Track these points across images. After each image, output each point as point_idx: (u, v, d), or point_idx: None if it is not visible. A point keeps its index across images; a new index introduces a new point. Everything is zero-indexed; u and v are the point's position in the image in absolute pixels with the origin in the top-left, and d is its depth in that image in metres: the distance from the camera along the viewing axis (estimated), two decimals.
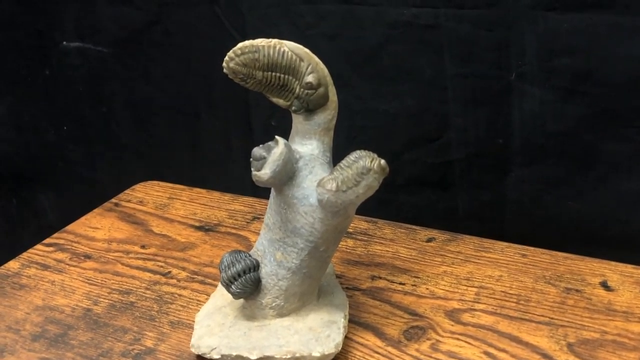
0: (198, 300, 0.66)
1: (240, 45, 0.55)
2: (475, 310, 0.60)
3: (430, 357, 0.56)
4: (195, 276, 0.69)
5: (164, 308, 0.65)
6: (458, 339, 0.57)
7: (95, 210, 0.84)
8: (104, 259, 0.74)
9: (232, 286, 0.57)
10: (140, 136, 1.14)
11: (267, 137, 1.06)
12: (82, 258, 0.74)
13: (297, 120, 0.58)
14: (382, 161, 0.53)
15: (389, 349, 0.57)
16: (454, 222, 0.93)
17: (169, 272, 0.71)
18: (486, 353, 0.55)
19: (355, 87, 0.92)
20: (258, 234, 0.75)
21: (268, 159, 0.53)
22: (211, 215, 0.80)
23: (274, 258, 0.57)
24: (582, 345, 0.55)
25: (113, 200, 0.86)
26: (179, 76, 1.06)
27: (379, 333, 0.59)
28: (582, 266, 0.64)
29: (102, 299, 0.67)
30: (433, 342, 0.57)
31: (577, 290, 0.61)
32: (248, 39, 1.01)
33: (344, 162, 0.53)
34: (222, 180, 1.07)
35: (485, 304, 0.61)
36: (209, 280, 0.69)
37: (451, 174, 0.91)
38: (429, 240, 0.71)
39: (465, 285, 0.64)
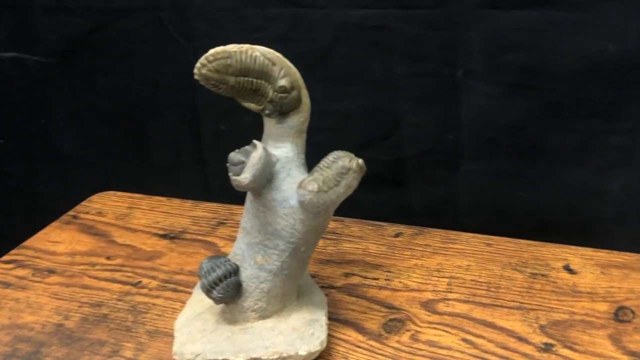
0: (173, 308, 0.66)
1: (212, 51, 0.56)
2: (449, 299, 0.62)
3: (412, 347, 0.57)
4: (167, 284, 0.69)
5: (139, 318, 0.65)
6: (436, 328, 0.59)
7: (53, 224, 0.82)
8: (69, 272, 0.73)
9: (214, 292, 0.57)
10: (85, 147, 1.12)
11: (216, 141, 1.06)
12: (46, 273, 0.73)
13: (270, 124, 0.59)
14: (360, 160, 0.54)
15: (371, 342, 0.58)
16: (409, 217, 0.95)
17: (139, 282, 0.70)
18: (465, 340, 0.58)
19: (307, 88, 0.93)
20: (225, 239, 0.76)
21: (247, 163, 0.54)
22: (175, 223, 0.80)
23: (254, 261, 0.58)
24: (554, 327, 0.58)
25: (70, 212, 0.84)
26: (123, 84, 1.05)
27: (359, 328, 0.60)
28: (544, 252, 0.67)
29: (72, 313, 0.66)
30: (412, 333, 0.59)
31: (542, 275, 0.64)
32: (194, 44, 1.01)
33: (322, 163, 0.54)
34: (172, 188, 1.06)
35: (457, 293, 0.63)
36: (181, 288, 0.68)
37: (404, 170, 0.94)
38: (397, 235, 0.73)
39: (437, 277, 0.66)
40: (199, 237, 0.77)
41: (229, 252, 0.73)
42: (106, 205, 0.85)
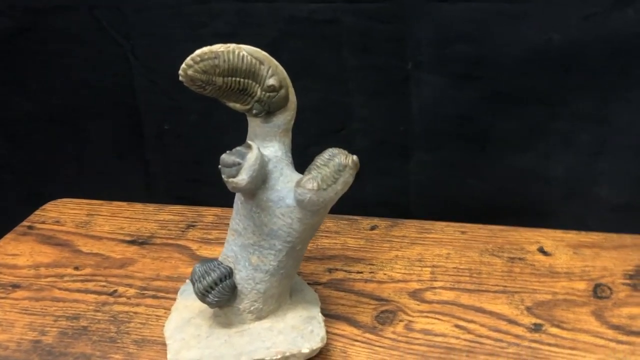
0: (157, 316, 0.64)
1: (198, 52, 0.55)
2: (435, 288, 0.64)
3: (408, 337, 0.59)
4: (145, 292, 0.68)
5: (123, 328, 0.63)
6: (428, 316, 0.61)
7: (8, 236, 0.78)
8: (36, 286, 0.70)
9: (209, 296, 0.57)
10: (17, 153, 1.07)
11: (160, 142, 1.04)
12: (10, 288, 0.70)
13: (255, 124, 0.59)
14: (355, 157, 0.55)
15: (367, 335, 0.59)
16: (364, 208, 0.96)
17: (115, 290, 0.68)
18: (457, 326, 0.59)
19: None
20: (197, 242, 0.75)
21: (244, 165, 0.53)
22: (141, 228, 0.78)
23: (249, 262, 0.57)
24: (539, 307, 0.61)
25: (24, 223, 0.80)
26: (57, 86, 1.01)
27: (352, 322, 0.61)
28: (517, 236, 0.70)
29: (49, 328, 0.64)
30: (406, 322, 0.60)
31: (519, 259, 0.67)
32: (133, 43, 0.99)
33: (318, 161, 0.55)
34: (114, 191, 1.03)
35: (442, 281, 0.65)
36: (162, 294, 0.67)
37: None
38: (372, 228, 0.74)
39: (419, 266, 0.67)
40: (170, 242, 0.75)
41: (204, 255, 0.72)
42: (63, 213, 0.82)
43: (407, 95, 0.89)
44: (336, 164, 0.54)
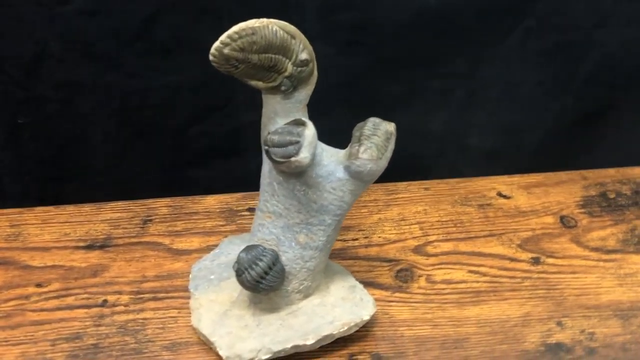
0: (172, 317, 0.60)
1: (235, 28, 0.52)
2: (431, 242, 0.68)
3: (434, 289, 0.63)
4: (142, 295, 0.62)
5: (141, 337, 0.58)
6: (441, 268, 0.65)
7: None
8: (1, 313, 0.60)
9: (263, 282, 0.55)
10: None
11: (14, 137, 0.93)
12: None
13: (274, 101, 0.57)
14: (393, 124, 0.56)
15: (398, 294, 0.62)
16: (252, 184, 0.96)
17: (105, 300, 0.61)
18: (471, 271, 0.65)
19: (126, 65, 0.86)
20: (167, 235, 0.70)
21: (303, 142, 0.52)
22: (90, 231, 0.70)
23: (296, 242, 0.56)
24: (527, 244, 0.68)
25: None
26: None
27: (377, 285, 0.63)
28: (475, 186, 0.77)
29: (50, 354, 0.56)
30: (425, 277, 0.64)
31: (487, 205, 0.74)
32: None
33: (365, 131, 0.55)
34: None
35: (434, 235, 0.69)
36: (162, 295, 0.62)
37: (243, 138, 0.94)
38: None
39: (406, 225, 0.71)
40: (133, 240, 0.69)
41: (182, 248, 0.68)
42: None
43: None
44: (384, 132, 0.55)
